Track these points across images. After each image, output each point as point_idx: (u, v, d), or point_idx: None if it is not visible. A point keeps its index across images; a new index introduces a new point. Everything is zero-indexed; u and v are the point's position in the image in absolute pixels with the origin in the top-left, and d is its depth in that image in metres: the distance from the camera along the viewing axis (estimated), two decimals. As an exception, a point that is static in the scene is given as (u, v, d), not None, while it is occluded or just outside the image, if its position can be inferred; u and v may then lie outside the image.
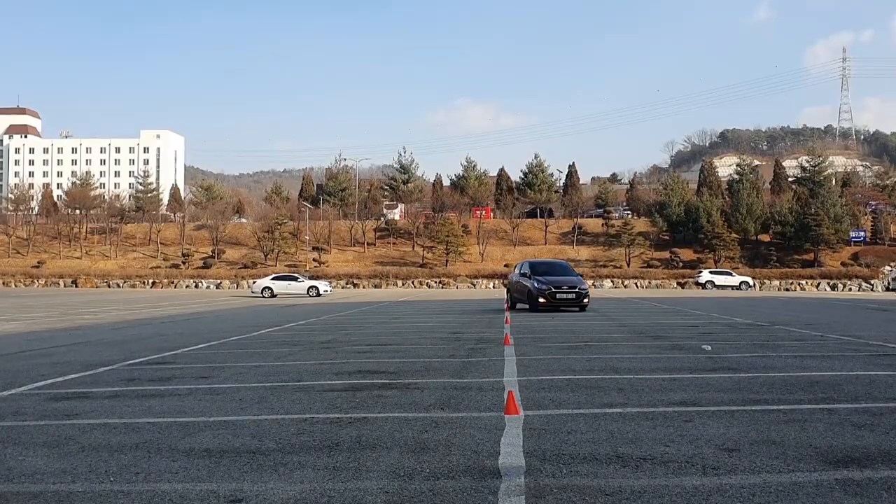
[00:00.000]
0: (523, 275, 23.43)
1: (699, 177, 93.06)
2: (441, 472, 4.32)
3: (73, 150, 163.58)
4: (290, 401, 6.86)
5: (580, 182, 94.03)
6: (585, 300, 21.82)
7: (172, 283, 68.11)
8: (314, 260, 71.58)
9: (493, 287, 63.76)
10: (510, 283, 25.60)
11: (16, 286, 68.27)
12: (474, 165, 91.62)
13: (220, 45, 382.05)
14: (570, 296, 21.62)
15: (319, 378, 8.39)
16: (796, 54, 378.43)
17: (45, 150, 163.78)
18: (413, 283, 66.97)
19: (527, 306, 22.59)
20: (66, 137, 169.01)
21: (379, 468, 4.43)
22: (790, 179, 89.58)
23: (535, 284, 21.86)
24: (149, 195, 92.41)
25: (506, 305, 24.85)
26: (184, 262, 73.32)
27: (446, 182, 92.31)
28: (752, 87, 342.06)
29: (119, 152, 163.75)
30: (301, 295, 42.40)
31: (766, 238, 74.77)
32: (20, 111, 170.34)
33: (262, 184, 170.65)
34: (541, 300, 21.43)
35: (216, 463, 4.61)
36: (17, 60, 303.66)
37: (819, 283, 63.26)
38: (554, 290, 21.51)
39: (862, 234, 72.33)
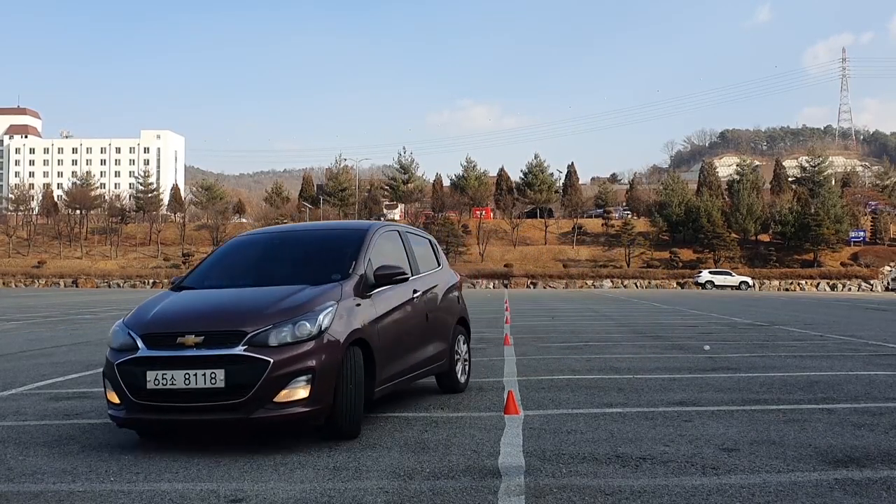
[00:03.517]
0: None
1: (699, 177, 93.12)
2: (441, 472, 4.32)
3: (74, 150, 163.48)
4: (290, 401, 6.84)
5: (580, 182, 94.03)
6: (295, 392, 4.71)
7: (172, 283, 68.09)
8: (314, 260, 71.49)
9: (493, 287, 63.77)
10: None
11: (16, 286, 68.27)
12: (474, 165, 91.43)
13: (220, 45, 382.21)
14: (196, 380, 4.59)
15: (319, 378, 8.37)
16: (796, 55, 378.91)
17: (46, 150, 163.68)
18: (413, 283, 66.83)
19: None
20: (66, 137, 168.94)
21: (379, 468, 4.43)
22: (790, 179, 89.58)
23: (120, 331, 5.03)
24: (149, 195, 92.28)
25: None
26: (184, 262, 73.30)
27: (446, 182, 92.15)
28: (751, 87, 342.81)
29: (119, 152, 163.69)
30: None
31: (765, 238, 74.79)
32: (20, 111, 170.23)
33: (262, 184, 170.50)
34: (113, 399, 4.92)
35: (216, 463, 4.61)
36: (17, 60, 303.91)
37: (819, 283, 63.29)
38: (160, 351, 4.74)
39: (862, 234, 72.35)
